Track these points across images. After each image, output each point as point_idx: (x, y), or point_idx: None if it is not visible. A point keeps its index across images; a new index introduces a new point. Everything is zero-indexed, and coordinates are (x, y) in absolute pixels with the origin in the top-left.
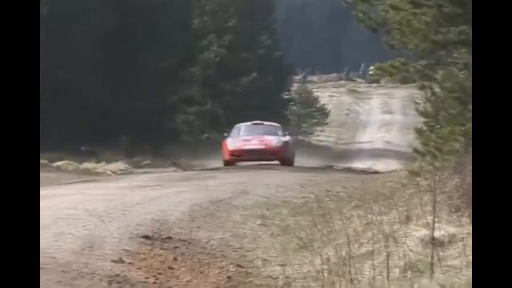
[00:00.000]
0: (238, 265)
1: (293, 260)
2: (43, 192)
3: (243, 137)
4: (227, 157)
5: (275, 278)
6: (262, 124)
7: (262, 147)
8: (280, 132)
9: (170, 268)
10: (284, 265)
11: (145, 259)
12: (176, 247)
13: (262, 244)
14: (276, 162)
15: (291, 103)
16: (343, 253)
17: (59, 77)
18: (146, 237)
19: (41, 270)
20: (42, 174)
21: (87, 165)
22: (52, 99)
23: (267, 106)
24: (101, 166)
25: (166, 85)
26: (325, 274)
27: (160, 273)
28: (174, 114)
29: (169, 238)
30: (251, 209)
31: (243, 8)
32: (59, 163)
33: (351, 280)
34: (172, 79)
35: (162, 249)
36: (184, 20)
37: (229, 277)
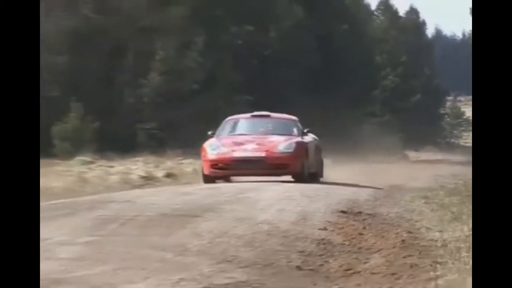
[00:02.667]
0: (409, 232)
1: (448, 228)
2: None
3: (234, 137)
4: (206, 170)
5: (435, 241)
6: (269, 116)
7: (261, 154)
8: (296, 130)
9: (360, 234)
10: (441, 231)
11: (342, 227)
12: (364, 219)
13: (426, 216)
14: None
15: (445, 116)
16: None
17: (282, 94)
18: (343, 212)
19: (267, 236)
20: None
21: None
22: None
23: (428, 118)
24: None
25: (356, 103)
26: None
27: (353, 238)
28: (361, 123)
29: (360, 212)
30: (418, 192)
31: (411, 48)
32: None
33: None
34: (360, 100)
35: (354, 220)
36: (369, 57)
37: (402, 240)
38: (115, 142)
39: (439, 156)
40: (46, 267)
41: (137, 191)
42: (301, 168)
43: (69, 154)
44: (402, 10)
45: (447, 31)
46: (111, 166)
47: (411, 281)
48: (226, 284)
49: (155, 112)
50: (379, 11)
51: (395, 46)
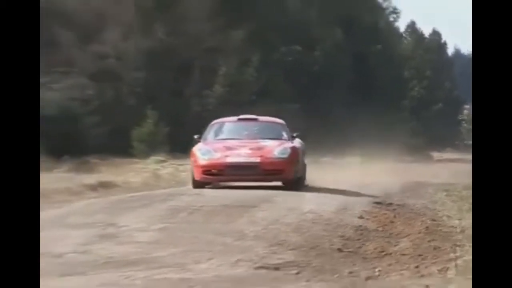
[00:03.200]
0: (432, 219)
1: (466, 216)
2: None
3: (224, 141)
4: (197, 175)
5: (455, 227)
6: (256, 120)
7: (256, 160)
8: (285, 133)
9: (391, 221)
10: (460, 219)
11: (376, 216)
12: (394, 209)
13: (447, 207)
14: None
15: (463, 122)
16: None
17: (325, 103)
18: (377, 203)
19: (312, 223)
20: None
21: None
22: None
23: (448, 124)
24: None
25: (388, 111)
26: None
27: (385, 225)
28: (392, 128)
29: (391, 203)
30: (440, 186)
31: (434, 64)
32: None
33: None
34: (391, 108)
35: (386, 210)
36: (398, 73)
37: (427, 226)
38: (184, 144)
39: (457, 155)
40: (126, 250)
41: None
42: (294, 174)
43: (145, 154)
44: (426, 32)
45: (465, 50)
46: (181, 165)
47: (434, 261)
48: (278, 263)
49: (213, 119)
50: (407, 33)
51: (421, 63)
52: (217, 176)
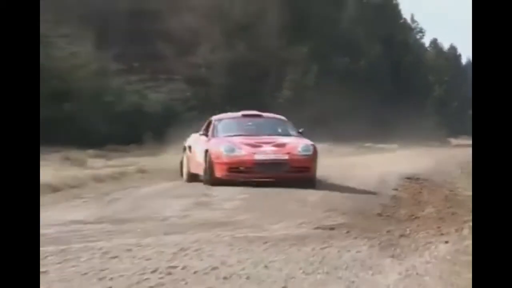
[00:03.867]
0: (450, 190)
1: None
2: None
3: (240, 138)
4: (219, 173)
5: (469, 196)
6: (260, 116)
7: (284, 157)
8: (292, 130)
9: (419, 192)
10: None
11: (407, 188)
12: (421, 183)
13: (462, 180)
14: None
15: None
16: None
17: (368, 103)
18: (408, 178)
19: (358, 194)
20: None
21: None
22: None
23: (462, 117)
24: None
25: (415, 108)
26: None
27: (414, 194)
28: (419, 122)
29: (418, 178)
30: (457, 165)
31: (452, 71)
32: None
33: None
34: (417, 106)
35: (415, 183)
36: (424, 77)
37: (446, 195)
38: None
39: (469, 142)
40: (215, 215)
41: None
42: (314, 172)
43: None
44: (445, 46)
45: None
46: None
47: (452, 223)
48: (332, 225)
49: (285, 114)
50: (430, 48)
51: (441, 70)
52: (244, 173)
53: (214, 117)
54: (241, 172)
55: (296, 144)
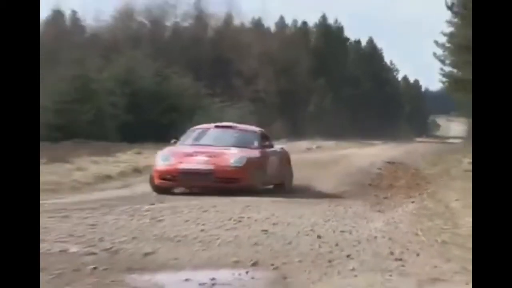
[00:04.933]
0: (416, 169)
1: (434, 168)
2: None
3: (193, 147)
4: (156, 180)
5: (432, 174)
6: (232, 127)
7: (209, 167)
8: (256, 142)
9: (395, 171)
10: (430, 169)
11: (387, 168)
12: (396, 165)
13: (424, 162)
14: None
15: (428, 122)
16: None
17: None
18: (388, 162)
19: (356, 172)
20: None
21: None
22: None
23: (420, 124)
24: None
25: (393, 119)
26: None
27: (392, 172)
28: (397, 128)
29: (394, 162)
30: (421, 153)
31: (414, 96)
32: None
33: None
34: (395, 118)
35: (392, 165)
36: (398, 101)
37: (412, 173)
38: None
39: (426, 139)
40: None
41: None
42: (255, 181)
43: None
44: (411, 80)
45: (431, 88)
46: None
47: (416, 190)
48: (341, 191)
49: (311, 125)
50: (402, 81)
51: (409, 96)
52: (171, 181)
53: (194, 127)
54: (169, 180)
55: (232, 156)
